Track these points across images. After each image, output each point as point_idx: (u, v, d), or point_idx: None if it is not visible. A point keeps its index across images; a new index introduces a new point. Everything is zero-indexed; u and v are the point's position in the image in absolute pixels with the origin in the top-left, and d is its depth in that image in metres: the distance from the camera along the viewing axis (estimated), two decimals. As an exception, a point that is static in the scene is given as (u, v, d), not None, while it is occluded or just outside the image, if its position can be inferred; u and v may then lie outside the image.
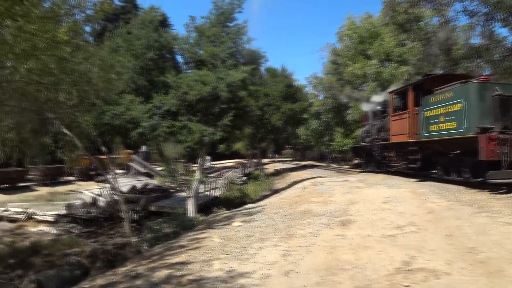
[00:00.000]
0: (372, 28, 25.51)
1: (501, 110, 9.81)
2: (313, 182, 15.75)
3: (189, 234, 9.02)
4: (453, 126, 10.83)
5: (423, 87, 13.02)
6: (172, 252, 6.76)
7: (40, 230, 16.30)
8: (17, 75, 5.58)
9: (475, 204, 8.33)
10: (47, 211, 18.48)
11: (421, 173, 13.35)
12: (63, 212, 17.82)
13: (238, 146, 50.93)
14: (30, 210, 18.37)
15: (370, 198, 9.97)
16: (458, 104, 10.63)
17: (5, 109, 6.76)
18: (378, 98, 18.23)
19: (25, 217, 17.96)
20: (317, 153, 53.75)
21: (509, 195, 9.12)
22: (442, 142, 11.50)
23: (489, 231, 6.13)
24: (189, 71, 17.38)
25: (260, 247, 6.26)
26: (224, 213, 12.86)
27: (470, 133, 10.03)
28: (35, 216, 17.95)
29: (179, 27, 65.97)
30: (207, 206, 18.44)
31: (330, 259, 5.41)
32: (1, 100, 6.19)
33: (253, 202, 15.82)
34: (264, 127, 32.69)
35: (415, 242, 5.89)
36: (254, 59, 18.21)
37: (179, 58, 18.55)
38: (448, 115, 11.08)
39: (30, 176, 28.79)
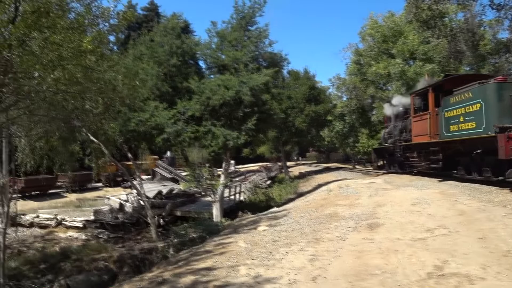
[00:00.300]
0: (395, 27, 25.01)
1: None
2: (339, 184, 15.53)
3: (215, 239, 9.03)
4: (473, 126, 10.90)
5: (443, 88, 13.08)
6: (198, 257, 6.77)
7: (69, 236, 16.71)
8: (44, 85, 5.72)
9: (509, 205, 7.97)
10: (76, 217, 18.94)
11: (443, 173, 13.38)
12: (91, 218, 18.21)
13: (262, 149, 50.98)
14: (60, 216, 18.86)
15: (398, 200, 9.71)
16: (477, 104, 10.70)
17: (35, 118, 6.94)
18: (399, 99, 18.19)
19: (55, 223, 18.45)
20: (342, 155, 53.17)
21: (545, 195, 8.72)
22: (462, 142, 11.63)
23: (525, 234, 5.86)
24: (212, 76, 17.48)
25: (286, 252, 6.17)
26: (249, 217, 12.84)
27: (489, 133, 10.07)
28: (65, 222, 18.41)
29: (201, 33, 66.99)
30: (232, 210, 18.48)
31: (358, 264, 5.27)
32: (30, 109, 6.35)
33: (278, 206, 15.74)
34: (288, 130, 32.62)
35: (447, 245, 5.68)
36: (276, 62, 18.14)
37: (202, 64, 18.70)
38: (467, 115, 11.16)
39: (59, 183, 29.63)
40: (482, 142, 10.54)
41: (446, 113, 12.35)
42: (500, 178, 9.96)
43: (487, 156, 10.55)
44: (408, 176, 15.47)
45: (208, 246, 7.86)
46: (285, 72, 27.37)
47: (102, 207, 19.96)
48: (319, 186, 18.31)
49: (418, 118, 14.54)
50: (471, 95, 11.05)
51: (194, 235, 12.09)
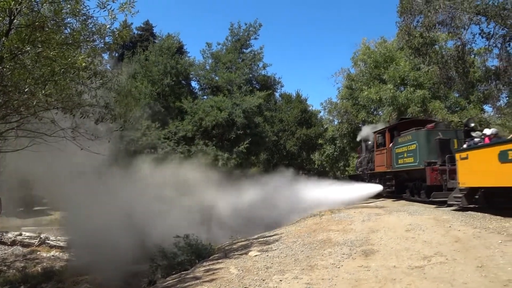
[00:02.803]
0: (387, 53, 25.40)
1: (441, 149, 13.04)
2: (330, 208, 15.36)
3: (204, 264, 8.74)
4: (412, 161, 14.41)
5: (397, 129, 16.38)
6: (186, 284, 6.52)
7: (53, 256, 16.18)
8: (35, 100, 5.55)
9: (503, 231, 7.89)
10: (60, 236, 18.40)
11: (396, 195, 16.80)
12: (76, 237, 17.69)
13: (253, 171, 50.74)
14: (43, 235, 18.31)
15: (391, 226, 9.58)
16: (414, 145, 14.28)
17: (23, 133, 6.75)
18: (369, 135, 20.84)
19: (38, 242, 17.89)
20: (332, 178, 53.07)
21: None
22: (406, 172, 15.36)
23: (524, 262, 5.74)
24: (205, 97, 17.47)
25: (280, 280, 5.96)
26: (240, 240, 12.54)
27: (421, 166, 13.56)
28: (48, 241, 17.86)
29: (195, 53, 67.18)
30: (222, 233, 18.08)
31: (355, 293, 5.09)
32: (19, 124, 6.17)
33: (269, 230, 15.44)
34: (279, 153, 32.57)
35: (445, 274, 5.53)
36: (270, 84, 18.26)
37: (195, 84, 18.71)
38: (408, 152, 14.69)
39: (45, 200, 28.86)
40: (418, 172, 14.09)
41: (396, 149, 15.67)
42: (430, 199, 13.11)
43: (421, 183, 13.98)
44: (401, 201, 15.77)
45: (198, 272, 7.58)
46: (277, 95, 27.56)
47: (87, 226, 19.44)
48: (310, 210, 18.07)
49: (379, 152, 17.96)
50: (410, 137, 14.59)
51: (183, 258, 11.73)
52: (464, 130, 13.38)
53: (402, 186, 16.13)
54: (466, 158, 11.02)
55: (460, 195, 11.31)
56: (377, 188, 17.51)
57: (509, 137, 10.32)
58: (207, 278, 6.65)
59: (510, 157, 9.02)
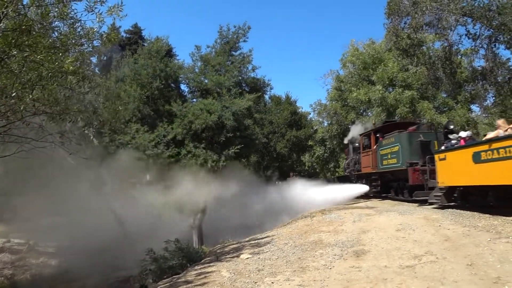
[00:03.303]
0: (375, 54, 25.63)
1: (422, 151, 13.70)
2: (321, 210, 15.41)
3: (196, 267, 8.70)
4: (395, 162, 15.06)
5: (382, 132, 16.99)
6: (178, 288, 6.47)
7: (42, 262, 15.96)
8: (22, 104, 5.48)
9: (492, 229, 7.99)
10: (49, 241, 18.15)
11: (382, 195, 17.51)
12: (66, 243, 17.48)
13: (244, 173, 50.61)
14: (32, 241, 18.04)
15: (382, 226, 9.63)
16: (397, 146, 14.93)
17: (10, 138, 6.65)
18: (354, 136, 21.66)
19: (27, 248, 17.63)
20: (323, 180, 53.19)
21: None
22: (390, 173, 16.04)
23: (513, 259, 5.82)
24: (194, 100, 17.41)
25: (272, 282, 5.95)
26: (231, 243, 12.52)
27: (404, 167, 14.16)
28: (37, 248, 17.61)
29: (184, 56, 66.96)
30: (213, 236, 18.02)
31: (347, 293, 5.11)
32: (6, 130, 6.08)
33: (260, 232, 15.44)
34: (269, 155, 32.59)
35: (436, 273, 5.58)
36: (259, 87, 18.25)
37: (184, 87, 18.63)
38: (392, 154, 15.38)
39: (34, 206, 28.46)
40: (401, 173, 14.68)
41: (381, 151, 16.34)
42: (412, 198, 13.88)
43: (405, 183, 14.61)
44: (389, 201, 15.95)
45: (189, 276, 7.54)
46: (267, 97, 27.59)
47: (77, 232, 19.20)
48: (301, 211, 18.11)
49: (365, 154, 18.62)
50: (393, 140, 15.30)
51: (174, 262, 11.66)
52: (443, 132, 14.07)
53: (387, 186, 16.88)
54: (444, 159, 11.68)
55: (439, 194, 11.98)
56: (364, 188, 18.21)
57: (482, 139, 10.80)
58: (199, 282, 6.62)
59: (482, 158, 9.65)
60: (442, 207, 11.78)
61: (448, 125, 14.47)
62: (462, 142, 11.57)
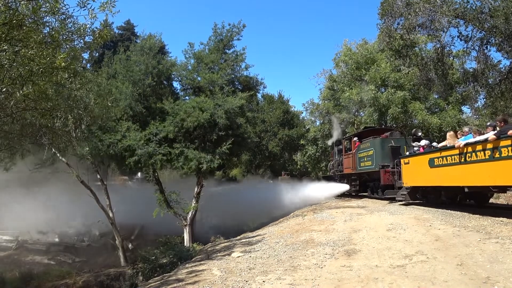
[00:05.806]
0: (368, 54, 25.72)
1: (393, 155, 15.50)
2: (312, 209, 15.47)
3: (187, 265, 8.67)
4: (370, 164, 16.95)
5: (362, 136, 18.90)
6: (169, 287, 6.43)
7: (31, 259, 15.82)
8: (12, 100, 5.40)
9: (482, 229, 8.07)
10: (39, 239, 17.99)
11: (360, 194, 19.81)
12: (56, 240, 17.35)
13: (235, 172, 50.54)
14: (21, 238, 17.87)
15: (373, 226, 9.68)
16: (371, 150, 16.78)
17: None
18: (340, 138, 23.69)
19: (16, 245, 17.45)
20: (314, 179, 53.29)
21: (514, 220, 8.92)
22: (366, 174, 17.88)
23: (502, 259, 5.86)
24: (187, 97, 17.31)
25: (263, 281, 5.94)
26: (222, 242, 12.51)
27: (377, 168, 15.99)
28: (27, 245, 17.45)
29: (176, 53, 65.75)
30: (204, 234, 18.00)
31: (338, 293, 5.11)
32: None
33: (251, 230, 15.44)
34: (261, 154, 32.61)
35: (426, 272, 5.61)
36: (252, 85, 18.20)
37: (177, 85, 18.51)
38: (367, 157, 17.23)
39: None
40: (375, 174, 16.45)
41: (359, 154, 18.21)
42: (384, 196, 15.75)
43: (378, 183, 16.26)
44: (381, 201, 16.12)
45: (180, 274, 7.50)
46: (259, 95, 27.55)
47: (67, 229, 19.08)
48: (293, 210, 18.17)
49: (346, 156, 20.54)
50: (369, 144, 17.14)
51: (165, 260, 11.62)
52: (412, 138, 15.52)
53: (365, 186, 18.90)
54: (408, 163, 13.48)
55: (405, 193, 13.67)
56: (345, 187, 20.53)
57: (436, 148, 12.33)
58: (190, 280, 6.59)
59: (436, 163, 11.42)
60: (407, 204, 13.54)
61: (416, 132, 15.97)
62: (422, 150, 13.31)
